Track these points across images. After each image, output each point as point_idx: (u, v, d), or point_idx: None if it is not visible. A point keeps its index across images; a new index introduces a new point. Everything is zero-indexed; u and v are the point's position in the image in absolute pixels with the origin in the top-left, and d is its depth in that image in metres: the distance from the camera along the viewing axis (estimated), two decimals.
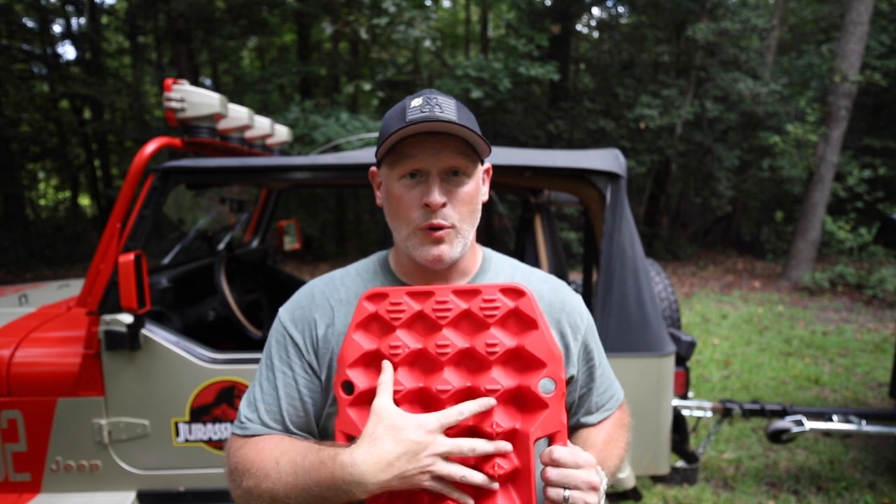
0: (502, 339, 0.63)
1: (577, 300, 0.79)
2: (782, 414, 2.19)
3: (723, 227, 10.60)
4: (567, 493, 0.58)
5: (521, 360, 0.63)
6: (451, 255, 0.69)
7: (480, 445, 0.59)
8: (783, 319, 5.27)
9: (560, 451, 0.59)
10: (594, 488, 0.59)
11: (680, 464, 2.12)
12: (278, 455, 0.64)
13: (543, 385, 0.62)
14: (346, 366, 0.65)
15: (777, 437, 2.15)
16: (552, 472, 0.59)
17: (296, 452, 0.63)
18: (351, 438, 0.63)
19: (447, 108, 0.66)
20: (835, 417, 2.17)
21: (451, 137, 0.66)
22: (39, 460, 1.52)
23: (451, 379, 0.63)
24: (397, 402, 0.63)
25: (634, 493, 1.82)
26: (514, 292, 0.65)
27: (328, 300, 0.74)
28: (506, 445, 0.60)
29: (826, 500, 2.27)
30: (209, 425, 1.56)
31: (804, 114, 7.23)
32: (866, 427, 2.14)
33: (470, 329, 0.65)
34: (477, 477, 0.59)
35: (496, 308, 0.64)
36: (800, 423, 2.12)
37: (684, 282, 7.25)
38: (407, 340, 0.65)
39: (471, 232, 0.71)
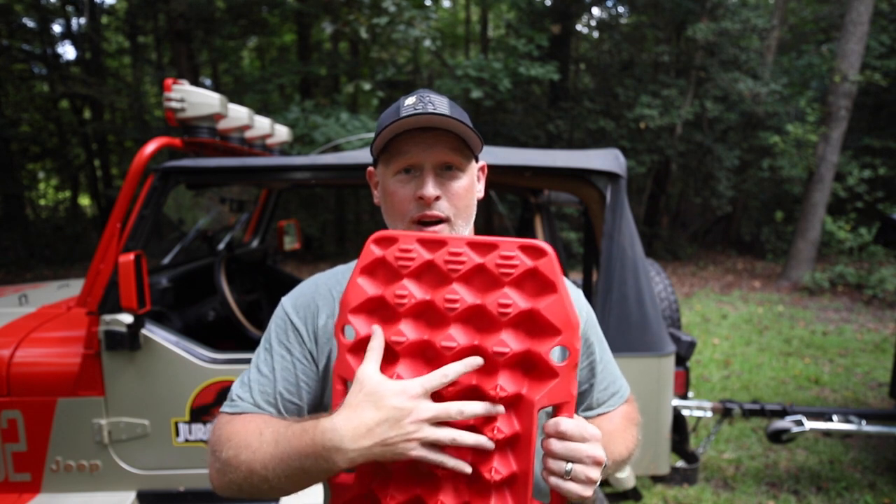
0: (516, 300, 0.59)
1: (577, 293, 0.79)
2: (782, 414, 2.19)
3: (723, 227, 10.60)
4: (569, 465, 0.56)
5: (534, 324, 0.59)
6: None
7: (469, 407, 0.56)
8: (783, 319, 5.27)
9: (567, 423, 0.56)
10: (598, 463, 0.57)
11: (680, 464, 2.12)
12: (262, 427, 0.62)
13: (555, 352, 0.58)
14: (348, 310, 0.62)
15: (777, 437, 2.15)
16: (556, 445, 0.56)
17: (280, 424, 0.62)
18: (347, 384, 0.60)
19: (440, 105, 0.67)
20: (835, 417, 2.17)
21: (443, 133, 0.67)
22: (39, 460, 1.52)
23: (458, 336, 0.59)
24: (398, 355, 0.60)
25: (634, 493, 1.82)
26: (535, 251, 0.59)
27: (331, 291, 0.74)
28: (498, 408, 0.57)
29: (826, 500, 2.27)
30: (209, 425, 1.56)
31: (804, 114, 7.23)
32: (866, 427, 2.14)
33: (482, 285, 0.61)
34: (469, 438, 0.56)
35: (514, 266, 0.59)
36: (800, 423, 2.12)
37: (684, 282, 7.25)
38: (414, 290, 0.61)
39: (466, 227, 0.71)
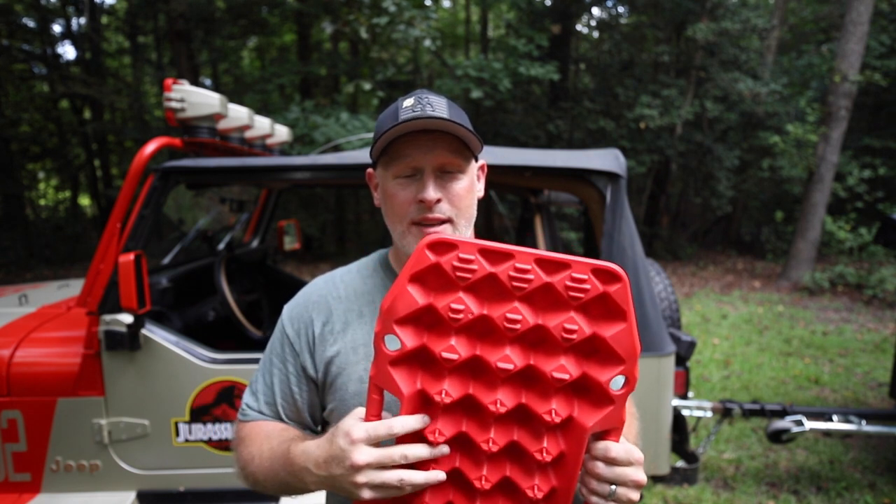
0: (582, 326, 0.56)
1: None
2: (782, 414, 2.19)
3: (723, 227, 10.59)
4: (613, 488, 0.57)
5: (596, 350, 0.57)
6: None
7: (413, 451, 0.55)
8: (783, 319, 5.27)
9: (617, 448, 0.57)
10: (640, 486, 0.58)
11: (680, 464, 2.12)
12: (262, 441, 0.70)
13: (615, 381, 0.56)
14: (393, 319, 0.57)
15: (777, 437, 2.15)
16: (603, 469, 0.57)
17: (278, 439, 0.68)
18: (385, 394, 0.59)
19: (438, 106, 0.67)
20: (835, 417, 2.17)
21: (443, 135, 0.67)
22: (39, 460, 1.52)
23: (514, 357, 0.57)
24: (444, 373, 0.57)
25: None
26: (609, 275, 0.56)
27: (326, 298, 0.75)
28: (443, 449, 0.56)
29: (826, 500, 2.27)
30: (209, 425, 1.56)
31: (804, 114, 7.23)
32: (866, 427, 2.14)
33: (546, 305, 0.57)
34: (418, 477, 0.55)
35: (584, 290, 0.56)
36: (800, 423, 2.12)
37: (684, 282, 7.24)
38: (472, 305, 0.57)
39: (467, 228, 0.71)
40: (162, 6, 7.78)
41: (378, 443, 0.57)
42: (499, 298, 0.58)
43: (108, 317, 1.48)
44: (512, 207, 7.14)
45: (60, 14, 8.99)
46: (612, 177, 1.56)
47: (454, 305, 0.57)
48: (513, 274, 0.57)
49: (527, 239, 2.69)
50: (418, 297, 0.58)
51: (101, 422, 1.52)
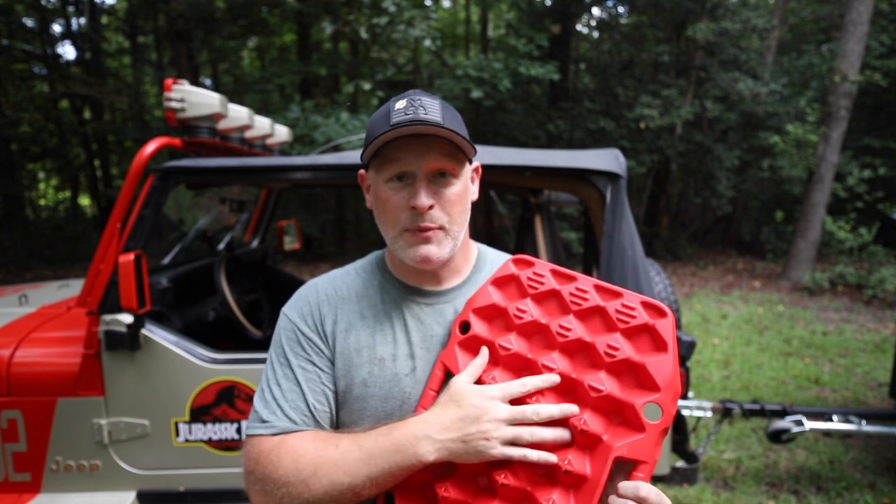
0: (625, 348, 0.62)
1: None
2: (782, 414, 2.19)
3: (723, 227, 10.59)
4: None
5: (634, 376, 0.61)
6: (439, 255, 0.68)
7: (545, 409, 0.60)
8: (783, 319, 5.27)
9: (647, 489, 0.55)
10: None
11: (680, 464, 2.12)
12: (328, 439, 0.64)
13: (649, 409, 0.59)
14: (471, 308, 0.69)
15: (777, 437, 2.15)
16: None
17: (344, 433, 0.65)
18: (447, 373, 0.67)
19: (431, 109, 0.65)
20: (835, 417, 2.16)
21: (436, 139, 0.65)
22: (39, 460, 1.52)
23: (559, 362, 0.63)
24: (498, 360, 0.66)
25: None
26: (657, 310, 0.63)
27: (332, 298, 0.74)
28: (573, 407, 0.60)
29: (826, 500, 2.27)
30: (209, 425, 1.56)
31: (804, 114, 7.23)
32: (866, 427, 2.14)
33: (596, 326, 0.65)
34: (548, 433, 0.59)
35: (631, 317, 0.63)
36: (800, 423, 2.12)
37: (684, 282, 7.24)
38: (533, 310, 0.67)
39: (461, 232, 0.70)
40: (162, 6, 7.77)
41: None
42: (559, 311, 0.68)
43: (108, 317, 1.48)
44: (512, 207, 7.13)
45: (60, 14, 8.98)
46: (612, 177, 1.56)
47: (520, 307, 0.68)
48: (573, 292, 0.67)
49: (527, 239, 2.69)
50: (495, 296, 0.70)
51: (101, 422, 1.52)
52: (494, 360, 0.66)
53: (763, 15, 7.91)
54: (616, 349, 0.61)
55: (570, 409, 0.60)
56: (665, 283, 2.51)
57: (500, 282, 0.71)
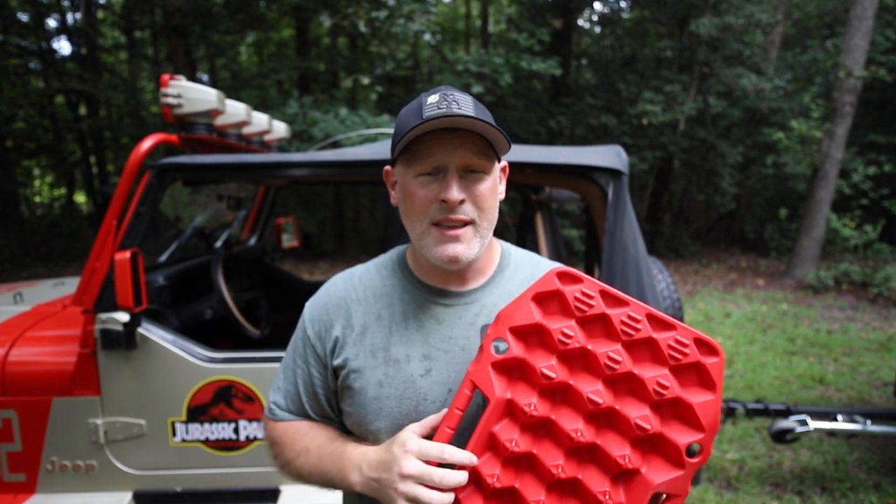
0: (674, 386, 0.60)
1: None
2: (786, 413, 2.17)
3: (726, 224, 10.55)
4: None
5: (679, 413, 0.60)
6: (467, 254, 0.67)
7: (451, 477, 0.58)
8: (787, 318, 5.24)
9: None
10: None
11: None
12: (307, 440, 0.73)
13: (691, 448, 0.59)
14: (508, 325, 0.63)
15: (781, 436, 2.13)
16: None
17: (321, 438, 0.73)
18: (475, 391, 0.63)
19: (464, 104, 0.64)
20: (839, 417, 2.15)
21: (468, 134, 0.65)
22: (35, 460, 1.51)
23: (605, 395, 0.60)
24: (536, 386, 0.61)
25: None
26: (709, 348, 0.60)
27: (345, 300, 0.74)
28: (461, 476, 0.58)
29: (830, 500, 2.25)
30: (206, 425, 1.55)
31: (808, 110, 7.17)
32: (871, 427, 2.12)
33: (645, 357, 0.62)
34: (444, 498, 0.58)
35: (684, 354, 0.60)
36: (804, 422, 2.10)
37: (687, 280, 7.21)
38: (580, 336, 0.62)
39: (489, 231, 0.70)
40: (158, 1, 7.73)
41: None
42: (605, 338, 0.63)
43: (104, 315, 1.47)
44: (512, 205, 7.10)
45: (56, 9, 8.91)
46: (613, 173, 1.54)
47: (566, 330, 0.62)
48: (624, 320, 0.62)
49: (527, 237, 2.66)
50: (536, 314, 0.63)
51: (97, 421, 1.51)
52: (531, 390, 0.62)
53: (767, 10, 7.83)
54: (666, 388, 0.59)
55: (460, 475, 0.58)
56: (667, 281, 2.48)
57: (542, 297, 0.64)
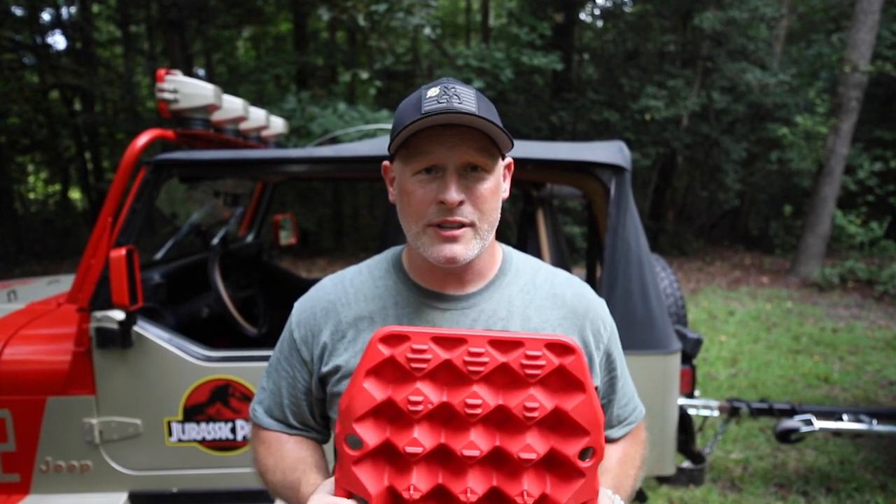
0: (543, 401, 0.58)
1: (601, 306, 0.76)
2: (791, 413, 2.15)
3: (730, 221, 10.49)
4: None
5: (560, 424, 0.58)
6: (465, 255, 0.64)
7: None
8: (792, 316, 5.20)
9: None
10: None
11: (686, 464, 2.08)
12: (278, 459, 0.73)
13: (583, 453, 0.58)
14: (353, 419, 0.58)
15: (786, 436, 2.11)
16: None
17: (289, 460, 0.72)
18: (352, 495, 0.59)
19: (466, 98, 0.61)
20: (845, 417, 2.12)
21: (469, 130, 0.61)
22: (29, 461, 1.49)
23: (479, 442, 0.58)
24: (415, 464, 0.58)
25: (640, 495, 1.79)
26: (563, 348, 0.58)
27: (334, 305, 0.72)
28: None
29: (836, 501, 2.23)
30: (203, 425, 1.53)
31: (813, 105, 7.09)
32: (877, 427, 2.09)
33: (505, 384, 0.59)
34: None
35: (540, 366, 0.58)
36: (809, 422, 2.08)
37: (690, 277, 7.18)
38: (430, 395, 0.58)
39: (490, 232, 0.67)
40: None
41: None
42: (457, 384, 0.59)
43: (99, 313, 1.45)
44: (513, 201, 7.05)
45: (50, 3, 8.84)
46: (616, 170, 1.52)
47: (412, 398, 0.58)
48: (467, 359, 0.58)
49: (529, 234, 2.64)
50: (376, 392, 0.58)
51: (92, 421, 1.49)
52: (406, 467, 0.58)
53: (771, 3, 7.74)
54: (534, 408, 0.57)
55: None
56: (671, 278, 2.46)
57: (375, 371, 0.59)
